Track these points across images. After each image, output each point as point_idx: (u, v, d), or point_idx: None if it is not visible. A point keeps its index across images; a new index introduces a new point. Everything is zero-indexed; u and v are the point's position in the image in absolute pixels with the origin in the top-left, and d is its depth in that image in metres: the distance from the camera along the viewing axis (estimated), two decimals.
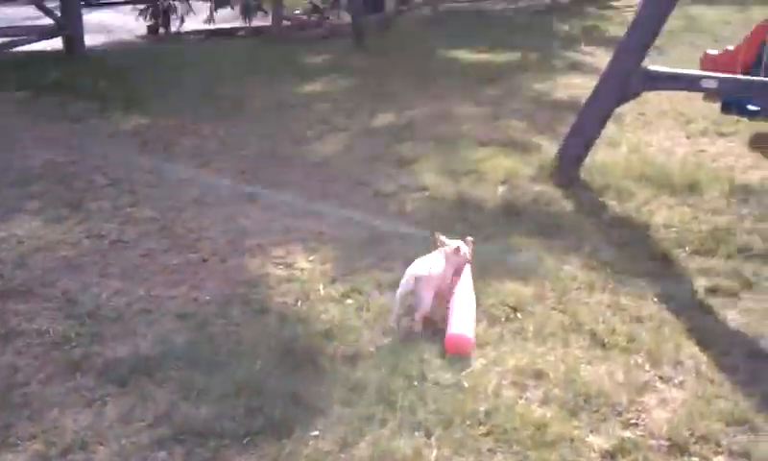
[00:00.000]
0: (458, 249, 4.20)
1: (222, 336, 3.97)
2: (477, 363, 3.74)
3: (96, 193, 6.14)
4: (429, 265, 4.07)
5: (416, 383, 3.54)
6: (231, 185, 6.32)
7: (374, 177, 6.47)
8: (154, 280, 4.66)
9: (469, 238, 4.37)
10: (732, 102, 7.29)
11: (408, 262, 4.35)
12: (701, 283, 4.55)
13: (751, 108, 7.31)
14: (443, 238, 4.27)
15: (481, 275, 4.60)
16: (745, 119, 7.67)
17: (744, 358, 3.77)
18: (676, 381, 3.60)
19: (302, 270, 4.75)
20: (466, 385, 3.53)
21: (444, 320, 3.97)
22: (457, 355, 3.74)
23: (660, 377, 3.63)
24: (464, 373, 3.62)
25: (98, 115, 8.60)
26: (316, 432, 3.26)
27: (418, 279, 3.96)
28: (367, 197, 6.03)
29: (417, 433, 3.23)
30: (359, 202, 5.92)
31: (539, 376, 3.62)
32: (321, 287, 4.49)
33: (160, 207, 5.83)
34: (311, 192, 6.13)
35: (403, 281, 4.00)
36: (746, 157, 7.06)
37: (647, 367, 3.70)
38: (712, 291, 4.45)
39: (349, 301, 4.33)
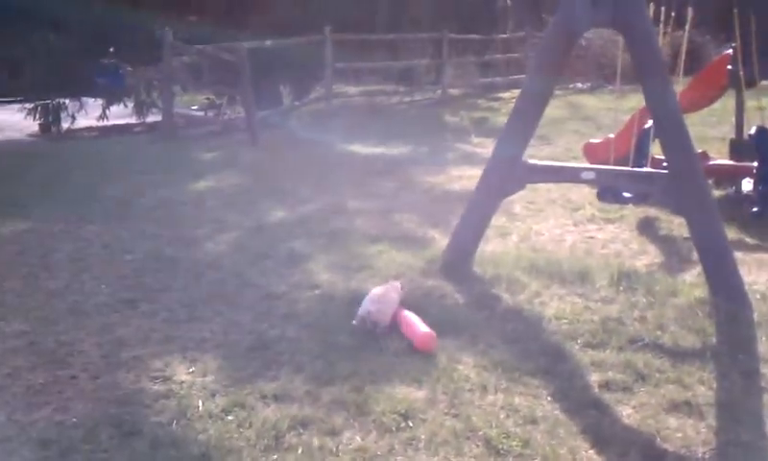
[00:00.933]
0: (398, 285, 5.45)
1: None
2: None
3: None
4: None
5: None
6: (111, 292, 5.95)
7: (265, 277, 6.24)
8: (15, 403, 4.24)
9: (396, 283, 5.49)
10: (608, 190, 7.47)
11: (293, 369, 4.16)
12: (594, 378, 4.47)
13: (625, 195, 7.51)
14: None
15: (372, 380, 4.42)
16: (631, 205, 7.87)
17: (641, 460, 3.66)
18: None
19: (181, 383, 4.43)
20: None
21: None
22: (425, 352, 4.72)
23: None
24: None
25: None
26: None
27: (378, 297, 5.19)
28: (256, 298, 5.78)
29: None
30: (247, 304, 5.66)
31: None
32: (200, 403, 4.18)
33: (31, 320, 5.42)
34: (197, 296, 5.83)
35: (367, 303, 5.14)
36: (633, 242, 7.21)
37: None
38: (606, 386, 4.37)
39: (230, 417, 4.03)
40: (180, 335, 5.12)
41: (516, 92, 19.65)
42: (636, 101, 14.62)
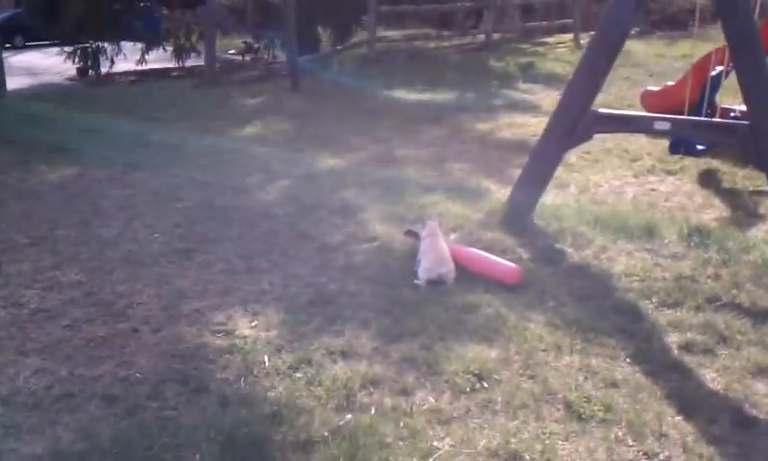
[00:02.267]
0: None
1: (155, 424, 3.49)
2: (444, 444, 3.37)
3: (15, 254, 5.61)
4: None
5: None
6: (165, 241, 5.85)
7: (319, 228, 6.09)
8: (77, 357, 4.16)
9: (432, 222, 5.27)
10: (681, 141, 7.18)
11: (359, 325, 4.06)
12: (673, 339, 4.28)
13: (699, 147, 7.22)
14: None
15: (441, 336, 4.28)
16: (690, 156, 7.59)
17: (731, 427, 3.48)
18: (662, 457, 3.29)
19: (245, 338, 4.32)
20: None
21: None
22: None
23: (645, 454, 3.31)
24: (431, 459, 3.25)
25: (20, 166, 8.05)
26: None
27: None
28: (312, 250, 5.64)
29: None
30: (304, 256, 5.53)
31: (514, 457, 3.26)
32: (266, 359, 4.06)
33: (87, 269, 5.34)
34: (252, 247, 5.71)
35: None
36: (696, 195, 6.94)
37: (630, 441, 3.38)
38: (686, 348, 4.18)
39: (298, 374, 3.92)
40: (239, 287, 5.00)
41: (560, 37, 19.14)
42: (687, 48, 14.17)
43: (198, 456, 3.25)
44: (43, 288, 5.04)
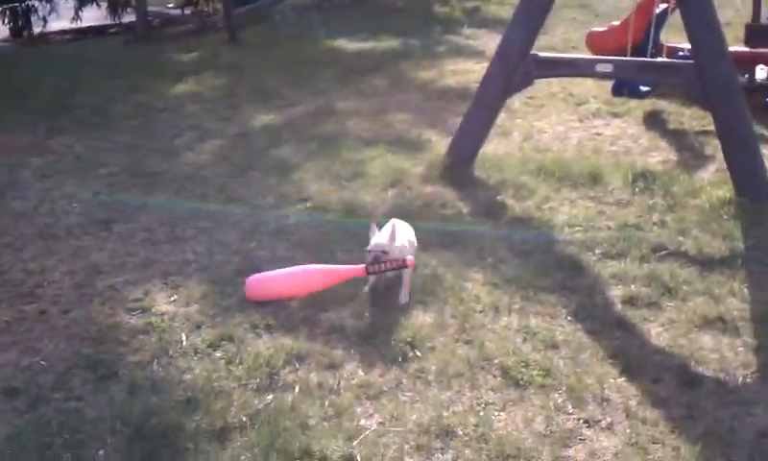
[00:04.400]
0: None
1: (57, 419, 3.19)
2: (372, 422, 3.13)
3: None
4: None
5: None
6: (84, 212, 5.47)
7: (251, 189, 5.76)
8: None
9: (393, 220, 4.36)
10: (624, 83, 6.94)
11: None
12: (617, 293, 4.07)
13: (643, 89, 6.99)
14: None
15: (373, 302, 4.02)
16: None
17: (677, 387, 3.29)
18: (604, 424, 3.08)
19: (162, 315, 4.01)
20: (359, 457, 2.91)
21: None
22: None
23: (586, 421, 3.10)
24: (356, 441, 3.00)
25: None
26: None
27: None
28: (242, 214, 5.31)
29: None
30: (233, 221, 5.21)
31: (446, 433, 3.03)
32: (183, 337, 3.77)
33: None
34: (178, 213, 5.36)
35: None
36: (642, 138, 6.74)
37: (569, 408, 3.17)
38: (630, 302, 3.98)
39: (218, 353, 3.63)
40: (160, 259, 4.68)
41: None
42: None
43: (102, 453, 2.96)
44: None
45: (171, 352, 3.65)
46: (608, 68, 5.39)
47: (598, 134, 6.90)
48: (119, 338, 3.80)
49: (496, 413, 3.16)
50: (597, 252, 4.51)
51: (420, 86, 8.81)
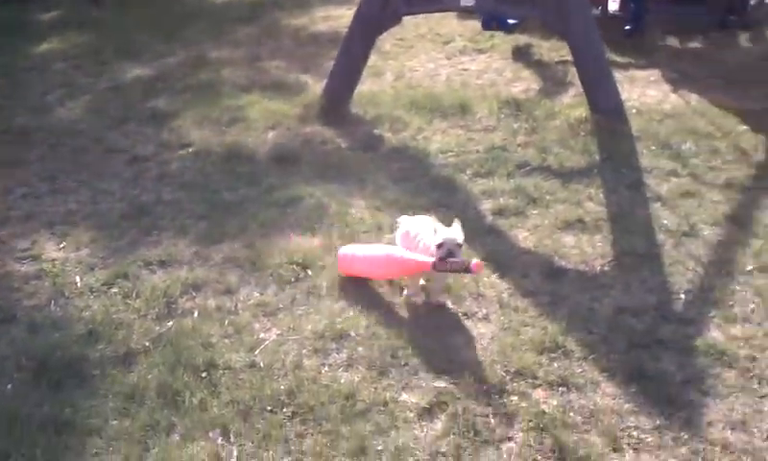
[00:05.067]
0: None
1: None
2: (271, 335, 3.34)
3: None
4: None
5: (204, 374, 3.08)
6: None
7: (129, 139, 5.77)
8: None
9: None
10: (492, 18, 7.26)
11: (176, 233, 3.92)
12: (487, 207, 4.43)
13: (511, 22, 7.34)
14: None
15: (263, 233, 4.20)
16: (500, 33, 7.74)
17: (543, 279, 3.67)
18: (480, 315, 3.43)
19: (53, 261, 4.05)
20: (262, 364, 3.13)
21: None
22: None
23: (465, 314, 3.44)
24: (257, 350, 3.21)
25: None
26: (92, 456, 2.72)
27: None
28: (122, 163, 5.34)
29: (211, 433, 2.79)
30: (113, 170, 5.22)
31: (341, 336, 3.30)
32: (77, 279, 3.84)
33: None
34: (56, 167, 5.32)
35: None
36: (506, 70, 7.11)
37: (450, 305, 3.50)
38: (499, 212, 4.34)
39: (114, 289, 3.74)
40: (44, 211, 4.67)
41: None
42: None
43: (9, 387, 3.04)
44: None
45: (67, 294, 3.72)
46: (470, 2, 5.69)
47: (465, 70, 7.24)
48: (12, 285, 3.84)
49: (385, 315, 3.43)
50: (468, 172, 4.84)
51: (292, 34, 8.90)
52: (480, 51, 7.75)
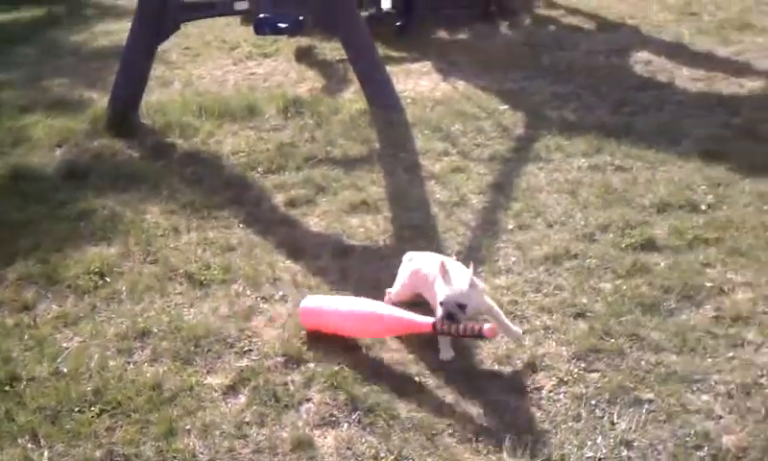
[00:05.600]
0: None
1: None
2: (74, 342, 3.41)
3: None
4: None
5: (7, 387, 3.11)
6: None
7: None
8: None
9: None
10: (263, 22, 7.45)
11: None
12: (279, 199, 4.70)
13: (281, 25, 7.58)
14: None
15: (57, 248, 4.22)
16: (284, 38, 8.02)
17: (332, 258, 3.99)
18: (277, 297, 3.68)
19: None
20: (65, 370, 3.20)
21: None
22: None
23: (263, 298, 3.68)
24: (60, 358, 3.28)
25: None
26: None
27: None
28: None
29: (20, 440, 2.84)
30: None
31: (143, 334, 3.43)
32: None
33: None
34: None
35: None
36: (291, 72, 7.43)
37: (248, 292, 3.72)
38: (291, 203, 4.63)
39: None
40: None
41: None
42: None
43: None
44: None
45: None
46: (244, 6, 5.94)
47: (252, 74, 7.48)
48: None
49: (186, 309, 3.61)
50: (260, 169, 5.09)
51: (73, 50, 8.74)
52: (266, 55, 8.03)
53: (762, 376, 3.02)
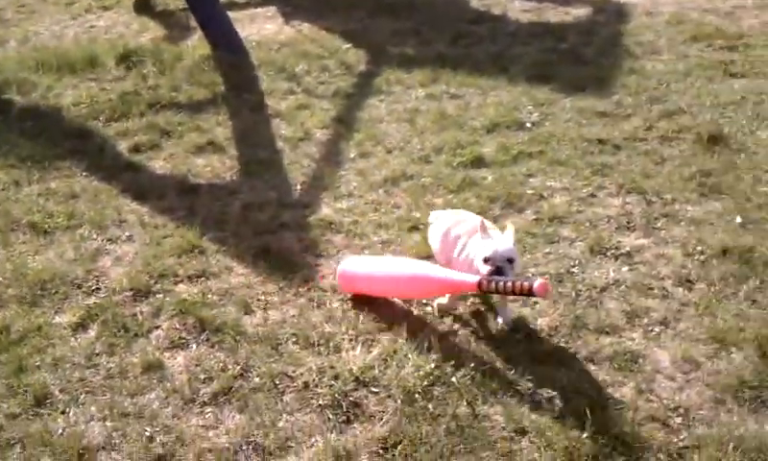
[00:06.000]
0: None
1: None
2: None
3: None
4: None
5: None
6: None
7: None
8: None
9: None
10: None
11: None
12: (123, 146, 4.70)
13: None
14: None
15: None
16: None
17: (178, 197, 4.09)
18: (124, 237, 3.74)
19: None
20: None
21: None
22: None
23: (109, 239, 3.73)
24: None
25: None
26: None
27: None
28: None
29: None
30: None
31: None
32: None
33: None
34: None
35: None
36: (133, 23, 7.30)
37: (94, 235, 3.76)
38: (135, 149, 4.65)
39: None
40: None
41: None
42: None
43: None
44: None
45: None
46: None
47: (93, 27, 7.30)
48: None
49: (31, 256, 3.61)
50: (102, 119, 5.06)
51: None
52: (105, 8, 7.84)
53: (574, 266, 3.37)
